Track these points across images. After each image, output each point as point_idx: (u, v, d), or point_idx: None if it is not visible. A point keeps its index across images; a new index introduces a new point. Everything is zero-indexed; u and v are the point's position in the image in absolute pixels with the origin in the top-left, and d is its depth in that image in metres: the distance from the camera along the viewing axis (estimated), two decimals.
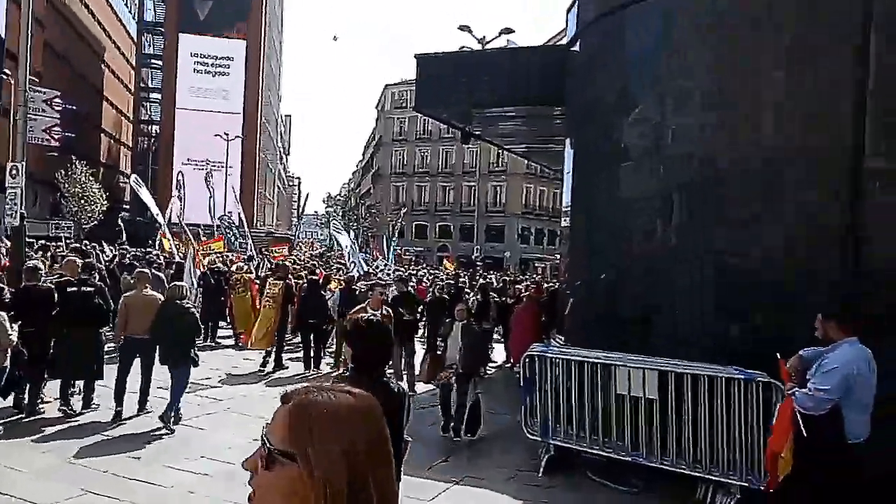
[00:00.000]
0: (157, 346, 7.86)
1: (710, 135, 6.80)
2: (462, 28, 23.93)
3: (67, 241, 21.17)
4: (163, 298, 8.16)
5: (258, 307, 12.31)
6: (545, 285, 13.89)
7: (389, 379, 3.40)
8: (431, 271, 21.26)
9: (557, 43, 11.34)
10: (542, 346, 7.50)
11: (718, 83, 6.75)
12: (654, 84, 7.26)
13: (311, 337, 11.70)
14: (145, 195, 20.15)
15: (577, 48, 8.59)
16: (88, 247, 16.50)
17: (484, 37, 23.94)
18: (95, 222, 38.77)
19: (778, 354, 4.60)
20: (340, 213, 67.23)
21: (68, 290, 7.88)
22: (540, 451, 6.83)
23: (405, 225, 61.29)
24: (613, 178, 7.69)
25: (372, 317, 3.56)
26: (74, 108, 29.09)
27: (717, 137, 6.75)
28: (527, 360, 6.94)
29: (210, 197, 32.90)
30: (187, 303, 8.23)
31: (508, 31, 23.66)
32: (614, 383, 6.23)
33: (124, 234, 30.72)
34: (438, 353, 7.94)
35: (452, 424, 7.77)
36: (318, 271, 15.42)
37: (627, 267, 7.57)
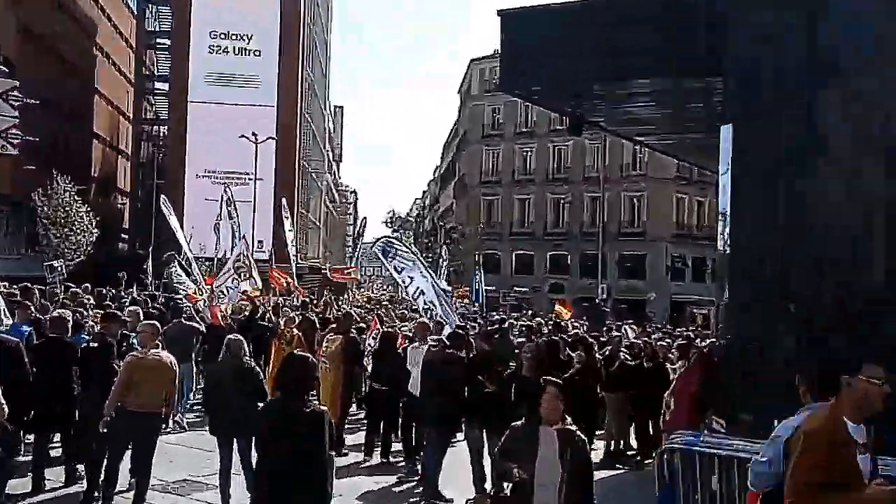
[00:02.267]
0: (215, 415, 8.92)
1: None
2: None
3: (61, 282, 22.64)
4: (174, 361, 8.97)
5: None
6: (699, 342, 13.31)
7: (311, 402, 5.83)
8: (526, 320, 20.91)
9: None
10: (690, 436, 7.17)
11: None
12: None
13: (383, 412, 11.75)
14: (174, 224, 21.96)
15: None
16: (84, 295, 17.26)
17: None
18: (83, 257, 40.55)
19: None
20: (412, 239, 68.24)
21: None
22: None
23: (501, 256, 61.40)
24: (804, 184, 7.24)
25: (294, 352, 7.54)
26: (37, 102, 31.38)
27: None
28: (665, 455, 6.66)
29: (234, 221, 34.49)
30: (248, 359, 9.01)
31: None
32: None
33: (150, 276, 32.18)
34: (504, 492, 5.70)
35: None
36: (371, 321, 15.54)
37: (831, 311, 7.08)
